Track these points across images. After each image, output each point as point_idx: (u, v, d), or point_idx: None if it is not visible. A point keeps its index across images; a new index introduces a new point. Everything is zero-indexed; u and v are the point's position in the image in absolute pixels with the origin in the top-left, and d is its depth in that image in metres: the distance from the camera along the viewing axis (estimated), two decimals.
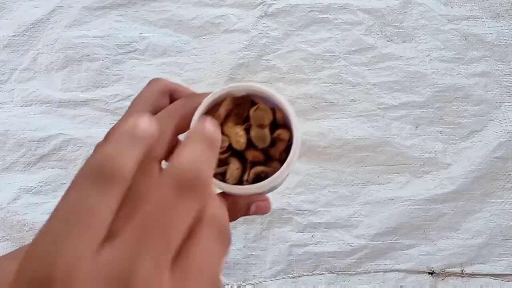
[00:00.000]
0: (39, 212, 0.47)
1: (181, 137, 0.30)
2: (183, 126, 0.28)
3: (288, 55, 0.51)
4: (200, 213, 0.18)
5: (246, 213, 0.28)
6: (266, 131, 0.28)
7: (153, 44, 0.52)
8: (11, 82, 0.51)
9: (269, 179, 0.26)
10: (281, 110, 0.28)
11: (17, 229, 0.47)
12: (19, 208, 0.47)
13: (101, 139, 0.28)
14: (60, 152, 0.49)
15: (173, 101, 0.30)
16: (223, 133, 0.28)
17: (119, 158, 0.17)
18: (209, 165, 0.17)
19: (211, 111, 0.28)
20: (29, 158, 0.49)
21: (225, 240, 0.18)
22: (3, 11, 0.54)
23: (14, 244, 0.47)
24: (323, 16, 0.53)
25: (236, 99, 0.28)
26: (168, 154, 0.29)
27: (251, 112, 0.28)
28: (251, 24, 0.52)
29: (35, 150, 0.49)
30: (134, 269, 0.15)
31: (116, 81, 0.51)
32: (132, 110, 0.30)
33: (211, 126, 0.18)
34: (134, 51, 0.52)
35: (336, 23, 0.53)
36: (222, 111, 0.28)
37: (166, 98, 0.30)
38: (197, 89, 0.51)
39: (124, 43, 0.52)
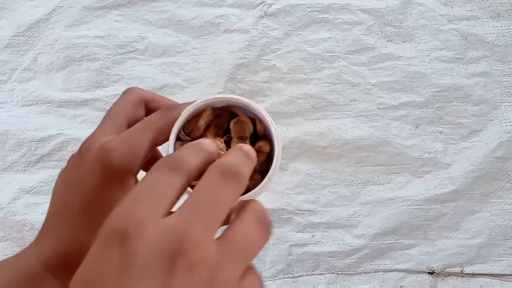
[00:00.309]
0: (39, 212, 0.47)
1: (160, 148, 0.30)
2: (160, 139, 0.28)
3: (288, 55, 0.51)
4: (243, 203, 0.22)
5: (227, 223, 0.29)
6: (247, 143, 0.27)
7: (153, 44, 0.52)
8: (11, 82, 0.51)
9: (249, 193, 0.25)
10: (262, 122, 0.27)
11: (17, 229, 0.47)
12: (19, 208, 0.47)
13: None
14: (60, 152, 0.49)
15: (150, 111, 0.30)
16: None
17: (187, 157, 0.22)
18: (247, 168, 0.22)
19: (190, 122, 0.28)
20: (29, 158, 0.49)
21: (266, 228, 0.21)
22: (3, 11, 0.54)
23: (14, 244, 0.47)
24: (323, 16, 0.53)
25: (216, 110, 0.28)
26: (146, 166, 0.30)
27: (232, 124, 0.28)
28: (251, 24, 0.53)
29: (35, 150, 0.49)
30: (187, 232, 0.18)
31: (116, 81, 0.51)
32: (107, 120, 0.30)
33: (247, 146, 0.23)
34: (134, 51, 0.52)
35: (336, 23, 0.53)
36: (202, 123, 0.28)
37: (141, 109, 0.31)
38: (198, 89, 0.51)
39: (124, 43, 0.52)
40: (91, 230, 0.26)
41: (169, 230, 0.18)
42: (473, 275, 0.46)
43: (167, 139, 0.28)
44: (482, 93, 0.50)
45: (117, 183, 0.27)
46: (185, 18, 0.53)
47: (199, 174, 0.22)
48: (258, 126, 0.28)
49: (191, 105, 0.28)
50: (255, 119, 0.28)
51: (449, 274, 0.46)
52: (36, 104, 0.51)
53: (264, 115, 0.27)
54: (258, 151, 0.28)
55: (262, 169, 0.27)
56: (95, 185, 0.28)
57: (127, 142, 0.28)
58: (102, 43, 0.52)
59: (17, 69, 0.52)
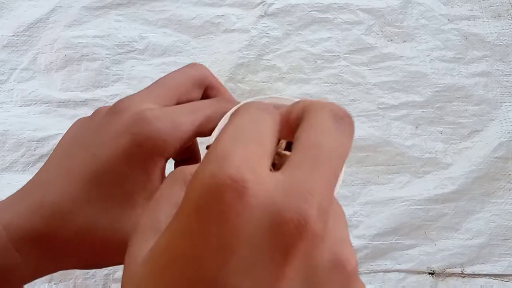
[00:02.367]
0: None
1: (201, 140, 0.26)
2: (206, 129, 0.25)
3: (288, 55, 0.51)
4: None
5: None
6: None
7: (153, 44, 0.52)
8: (10, 82, 0.51)
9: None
10: None
11: None
12: None
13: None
14: None
15: (204, 98, 0.27)
16: None
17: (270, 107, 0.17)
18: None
19: None
20: (29, 158, 0.49)
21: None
22: (2, 11, 0.54)
23: None
24: (323, 16, 0.53)
25: None
26: (180, 155, 0.26)
27: None
28: (251, 24, 0.52)
29: (35, 150, 0.49)
30: (312, 187, 0.14)
31: (116, 81, 0.51)
32: (156, 87, 0.26)
33: None
34: (134, 51, 0.52)
35: (336, 22, 0.53)
36: None
37: (199, 91, 0.27)
38: None
39: (124, 43, 0.52)
40: (88, 202, 0.23)
41: (287, 186, 0.14)
42: (473, 275, 0.46)
43: (211, 131, 0.25)
44: (482, 93, 0.50)
45: (141, 162, 0.23)
46: (185, 18, 0.53)
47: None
48: None
49: (241, 103, 0.25)
50: None
51: (450, 275, 0.46)
52: (36, 104, 0.51)
53: None
54: None
55: None
56: (115, 153, 0.23)
57: (171, 117, 0.24)
58: (101, 43, 0.52)
59: (16, 69, 0.52)
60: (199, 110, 0.25)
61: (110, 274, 0.44)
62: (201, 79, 0.27)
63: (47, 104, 0.50)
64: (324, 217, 0.14)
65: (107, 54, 0.52)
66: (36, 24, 0.53)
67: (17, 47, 0.53)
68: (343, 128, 0.17)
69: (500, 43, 0.51)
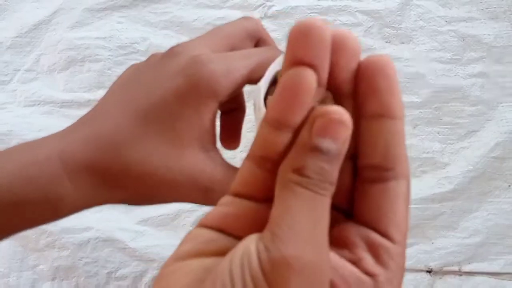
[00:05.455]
0: None
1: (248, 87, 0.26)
2: (257, 74, 0.25)
3: None
4: None
5: None
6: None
7: (155, 45, 0.53)
8: (14, 83, 0.52)
9: None
10: None
11: None
12: None
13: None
14: None
15: None
16: None
17: None
18: None
19: None
20: None
21: None
22: (5, 13, 0.54)
23: (17, 243, 0.47)
24: (322, 17, 0.53)
25: None
26: (228, 105, 0.26)
27: None
28: None
29: None
30: None
31: None
32: (211, 35, 0.26)
33: None
34: (136, 52, 0.53)
35: (336, 24, 0.53)
36: None
37: (251, 43, 0.27)
38: None
39: (126, 44, 0.53)
40: (142, 137, 0.23)
41: None
42: (471, 273, 0.46)
43: (259, 79, 0.25)
44: (479, 93, 0.50)
45: (194, 103, 0.24)
46: (186, 19, 0.53)
47: None
48: None
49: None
50: None
51: (447, 273, 0.46)
52: (39, 104, 0.51)
53: None
54: None
55: None
56: (170, 93, 0.24)
57: (226, 61, 0.24)
58: (104, 44, 0.53)
59: (19, 70, 0.52)
60: (253, 56, 0.25)
61: (112, 273, 0.45)
62: (254, 32, 0.27)
63: (50, 105, 0.51)
64: None
65: (109, 55, 0.52)
66: (39, 25, 0.54)
67: (21, 48, 0.53)
68: None
69: (497, 45, 0.52)
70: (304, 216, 0.15)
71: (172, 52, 0.26)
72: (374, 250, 0.16)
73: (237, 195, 0.17)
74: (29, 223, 0.25)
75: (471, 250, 0.46)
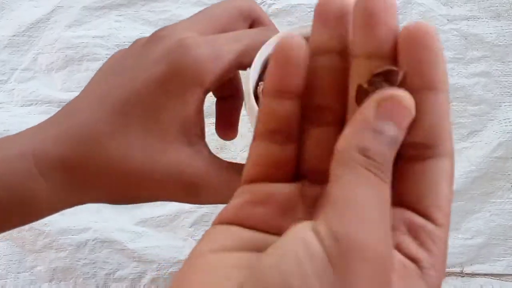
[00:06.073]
0: None
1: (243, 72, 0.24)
2: (247, 58, 0.24)
3: None
4: None
5: None
6: None
7: None
8: (11, 82, 0.52)
9: None
10: None
11: (17, 229, 0.47)
12: None
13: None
14: None
15: None
16: None
17: None
18: None
19: None
20: None
21: None
22: (3, 11, 0.54)
23: (14, 244, 0.47)
24: None
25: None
26: (222, 91, 0.25)
27: None
28: None
29: None
30: None
31: None
32: (200, 16, 0.25)
33: None
34: None
35: None
36: None
37: (244, 25, 0.25)
38: None
39: (124, 43, 0.52)
40: (122, 130, 0.22)
41: None
42: (473, 275, 0.46)
43: (250, 63, 0.23)
44: (482, 93, 0.50)
45: (179, 91, 0.22)
46: (185, 18, 0.53)
47: None
48: None
49: (282, 32, 0.23)
50: None
51: (449, 274, 0.46)
52: (36, 104, 0.51)
53: None
54: None
55: None
56: (152, 80, 0.22)
57: (213, 45, 0.23)
58: (102, 43, 0.52)
59: (17, 69, 0.52)
60: (244, 39, 0.24)
61: (110, 274, 0.44)
62: (248, 11, 0.25)
63: (48, 104, 0.51)
64: None
65: (107, 54, 0.52)
66: (36, 24, 0.53)
67: (18, 47, 0.53)
68: None
69: (500, 43, 0.51)
70: (373, 202, 0.14)
71: (156, 36, 0.24)
72: (415, 233, 0.16)
73: (251, 181, 0.16)
74: (0, 223, 0.24)
75: (474, 251, 0.46)
